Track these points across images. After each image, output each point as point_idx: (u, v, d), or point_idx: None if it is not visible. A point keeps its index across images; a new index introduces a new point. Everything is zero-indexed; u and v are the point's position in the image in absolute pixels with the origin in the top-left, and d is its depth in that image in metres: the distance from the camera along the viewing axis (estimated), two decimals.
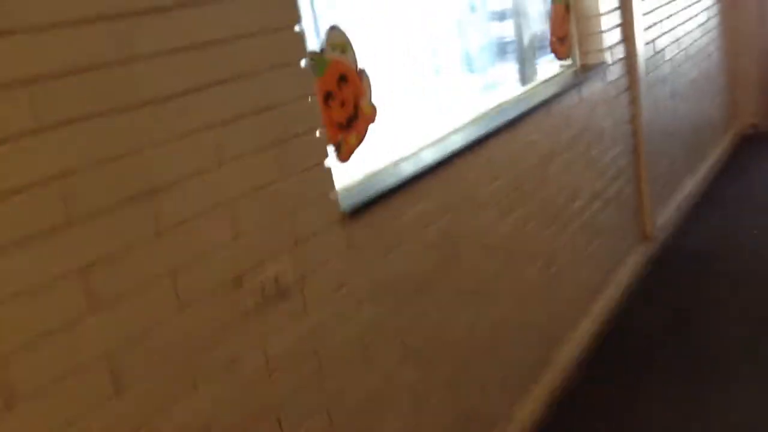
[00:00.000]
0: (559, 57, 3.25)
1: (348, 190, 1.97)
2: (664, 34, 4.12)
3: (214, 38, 1.44)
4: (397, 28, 2.55)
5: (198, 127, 1.41)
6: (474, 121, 2.63)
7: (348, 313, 1.81)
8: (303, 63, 1.67)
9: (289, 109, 1.62)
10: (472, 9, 3.11)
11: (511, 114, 2.67)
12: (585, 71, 3.33)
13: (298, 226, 1.65)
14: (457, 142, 2.37)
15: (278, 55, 1.59)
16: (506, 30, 3.28)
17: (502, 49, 3.24)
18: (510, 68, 3.22)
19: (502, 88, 3.05)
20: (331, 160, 1.85)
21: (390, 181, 2.04)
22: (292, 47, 1.64)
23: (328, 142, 1.89)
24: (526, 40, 3.26)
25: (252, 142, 1.53)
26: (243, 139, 1.51)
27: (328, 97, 1.92)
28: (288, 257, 1.61)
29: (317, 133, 1.72)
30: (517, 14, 3.27)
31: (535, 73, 3.27)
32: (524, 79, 3.21)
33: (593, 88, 3.29)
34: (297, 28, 1.65)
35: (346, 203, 1.84)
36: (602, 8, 3.36)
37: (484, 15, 3.16)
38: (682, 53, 4.46)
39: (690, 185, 4.59)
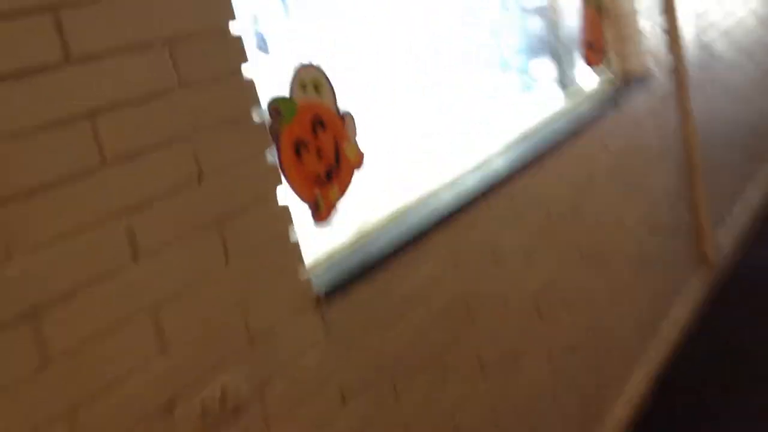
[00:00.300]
0: (591, 64, 2.84)
1: (330, 260, 1.62)
2: (713, 27, 3.65)
3: (120, 98, 1.11)
4: (400, 32, 2.24)
5: (100, 215, 1.08)
6: (493, 156, 2.24)
7: (329, 415, 1.46)
8: (256, 115, 1.33)
9: (234, 175, 1.28)
10: (504, 6, 2.83)
11: (538, 144, 2.29)
12: (624, 82, 2.91)
13: (253, 322, 1.30)
14: (471, 183, 2.00)
15: (218, 109, 1.26)
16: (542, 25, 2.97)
17: (538, 46, 2.92)
18: (547, 66, 2.88)
19: (539, 90, 2.74)
20: (305, 225, 1.51)
21: (385, 241, 1.68)
22: (237, 98, 1.30)
23: (302, 201, 1.56)
24: (562, 38, 2.89)
25: (182, 224, 1.19)
26: (168, 223, 1.17)
27: (299, 146, 1.57)
28: (239, 364, 1.27)
29: (278, 199, 1.37)
30: (552, 11, 2.90)
31: (573, 73, 2.88)
32: (563, 80, 2.84)
33: (635, 100, 2.86)
34: (245, 73, 1.31)
35: (324, 279, 1.49)
36: (641, 6, 2.94)
37: (517, 11, 2.86)
38: (735, 48, 3.97)
39: (753, 195, 4.09)
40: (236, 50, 1.29)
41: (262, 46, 1.86)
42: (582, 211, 2.47)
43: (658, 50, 3.06)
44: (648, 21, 2.98)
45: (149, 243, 1.13)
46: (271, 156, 1.37)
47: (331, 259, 1.61)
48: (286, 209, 1.38)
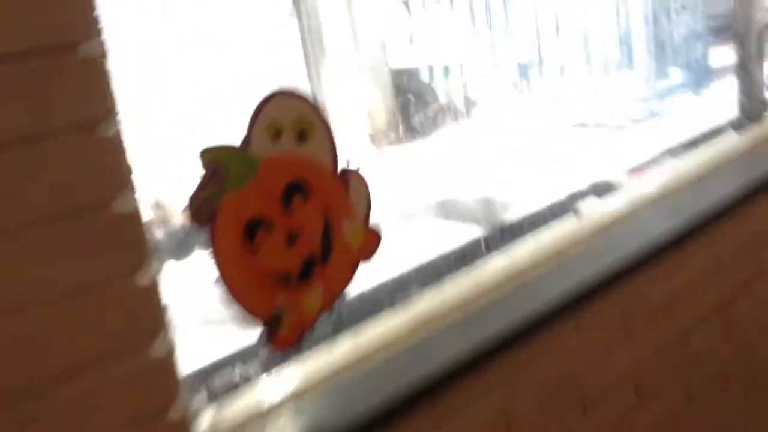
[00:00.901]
0: None
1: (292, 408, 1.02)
2: None
3: None
4: None
5: None
6: (598, 234, 1.54)
7: None
8: (121, 204, 0.76)
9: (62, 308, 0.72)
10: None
11: (683, 215, 1.56)
12: None
13: None
14: (558, 283, 1.32)
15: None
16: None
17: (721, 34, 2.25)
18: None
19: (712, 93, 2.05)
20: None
21: (398, 380, 1.07)
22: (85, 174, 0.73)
23: (250, 317, 0.98)
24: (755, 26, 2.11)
25: None
26: None
27: (254, 227, 0.98)
28: None
29: (154, 347, 0.80)
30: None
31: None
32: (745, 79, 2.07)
33: None
34: (109, 126, 0.74)
35: None
36: None
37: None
38: None
39: None
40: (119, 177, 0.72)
41: None
42: (738, 319, 1.70)
43: None
44: None
45: None
46: (144, 274, 0.78)
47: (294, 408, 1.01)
48: (169, 362, 0.80)
